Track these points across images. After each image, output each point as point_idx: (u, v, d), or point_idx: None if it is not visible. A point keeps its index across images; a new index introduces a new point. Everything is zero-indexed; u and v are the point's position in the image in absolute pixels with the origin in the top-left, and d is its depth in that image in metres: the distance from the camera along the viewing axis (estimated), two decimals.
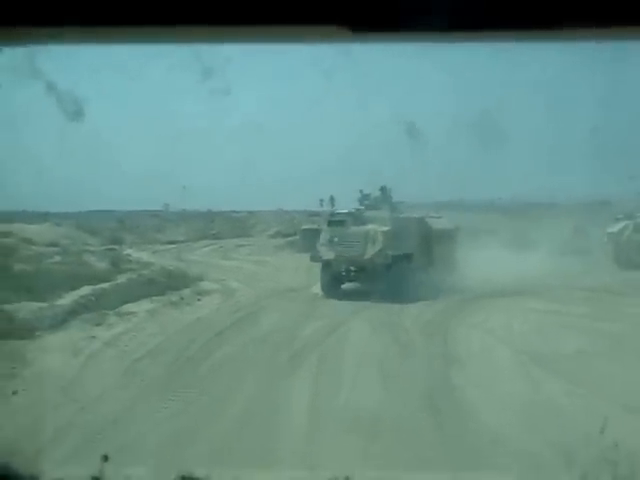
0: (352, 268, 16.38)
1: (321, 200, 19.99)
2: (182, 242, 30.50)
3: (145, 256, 22.97)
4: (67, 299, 13.70)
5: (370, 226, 16.96)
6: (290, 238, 27.29)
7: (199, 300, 14.13)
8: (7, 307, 12.04)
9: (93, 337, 9.94)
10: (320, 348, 9.78)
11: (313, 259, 17.35)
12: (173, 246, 28.66)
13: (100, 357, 8.88)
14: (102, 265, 20.00)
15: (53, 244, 25.08)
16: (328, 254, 16.73)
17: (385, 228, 16.79)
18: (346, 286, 16.49)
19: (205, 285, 16.13)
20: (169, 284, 16.23)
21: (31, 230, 27.39)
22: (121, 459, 5.19)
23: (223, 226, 38.66)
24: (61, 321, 11.80)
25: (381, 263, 16.26)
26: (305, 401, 7.38)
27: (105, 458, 2.63)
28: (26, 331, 10.84)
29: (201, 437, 6.25)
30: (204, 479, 2.31)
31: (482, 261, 14.66)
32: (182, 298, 13.88)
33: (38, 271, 17.81)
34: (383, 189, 18.83)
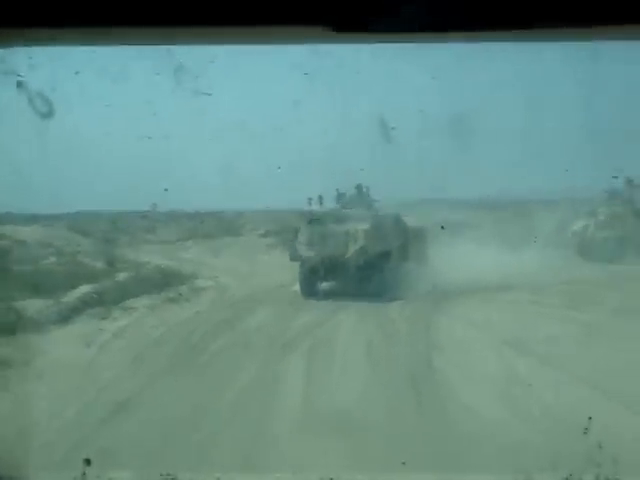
0: (332, 267, 16.26)
1: (309, 199, 19.35)
2: (174, 242, 31.21)
3: (139, 256, 23.71)
4: (70, 296, 14.53)
5: (350, 224, 17.02)
6: (280, 237, 28.11)
7: (195, 296, 14.96)
8: (15, 304, 12.89)
9: (101, 329, 10.81)
10: (311, 336, 10.70)
11: (292, 258, 17.20)
12: (165, 246, 29.38)
13: (110, 347, 9.78)
14: (98, 265, 20.80)
15: (47, 245, 25.75)
16: (308, 253, 16.66)
17: (365, 226, 16.91)
18: (325, 285, 16.51)
19: (200, 282, 16.98)
20: (165, 281, 17.09)
21: (23, 232, 28.00)
22: (134, 432, 6.11)
23: (213, 226, 39.33)
24: (68, 316, 12.66)
25: (363, 261, 16.23)
26: (299, 383, 8.27)
27: (88, 462, 2.60)
28: (37, 325, 11.72)
29: (204, 415, 7.12)
30: None
31: (463, 257, 15.17)
32: (180, 294, 14.76)
33: (37, 271, 18.61)
34: (359, 188, 18.93)
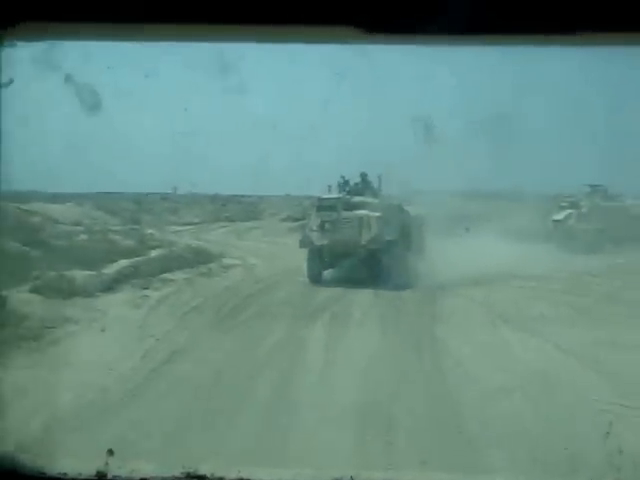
0: (345, 254, 16.40)
1: (329, 186, 19.74)
2: (198, 224, 32.89)
3: (167, 235, 25.32)
4: (110, 269, 16.20)
5: (362, 211, 17.15)
6: (300, 222, 29.67)
7: (224, 273, 16.63)
8: (65, 273, 14.60)
9: (146, 296, 12.53)
10: (330, 309, 12.36)
11: (303, 245, 17.27)
12: (190, 227, 31.00)
13: (157, 309, 11.49)
14: (130, 242, 22.43)
15: (77, 223, 27.42)
16: (321, 240, 16.72)
17: (377, 214, 17.03)
18: (334, 272, 16.78)
19: (227, 261, 18.61)
20: (196, 259, 18.75)
21: (54, 209, 29.68)
22: (187, 374, 7.73)
23: (235, 210, 40.90)
24: (111, 286, 14.34)
25: (376, 249, 16.31)
26: (319, 347, 9.90)
27: (110, 452, 2.70)
28: (86, 292, 13.41)
29: (239, 369, 8.77)
30: (209, 477, 2.40)
31: (467, 247, 15.79)
32: (210, 269, 16.43)
33: (72, 246, 20.26)
34: (363, 176, 19.05)
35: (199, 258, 18.63)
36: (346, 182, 19.03)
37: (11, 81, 2.44)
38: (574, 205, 21.29)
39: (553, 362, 8.80)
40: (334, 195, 18.24)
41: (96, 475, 2.44)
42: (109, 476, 2.44)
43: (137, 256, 18.54)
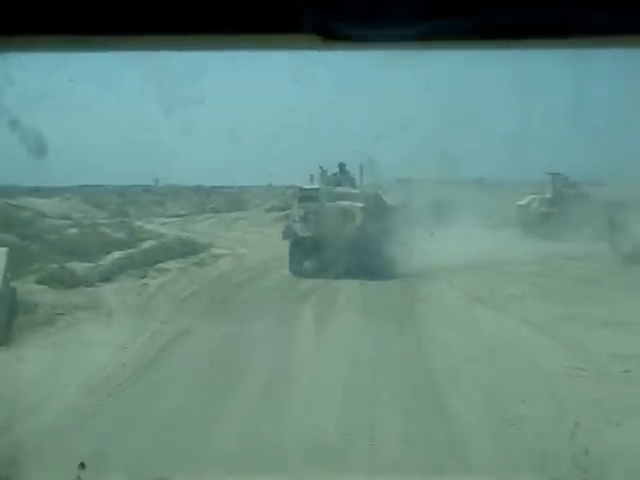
0: (329, 245, 16.08)
1: (311, 176, 19.68)
2: (184, 215, 33.78)
3: (155, 227, 26.25)
4: (106, 261, 17.19)
5: (345, 202, 17.35)
6: (285, 212, 30.66)
7: (215, 262, 17.68)
8: (66, 265, 15.61)
9: (145, 284, 13.59)
10: (316, 294, 13.47)
11: (286, 236, 17.38)
12: (177, 219, 31.88)
13: (157, 296, 12.55)
14: (121, 235, 23.36)
15: (65, 217, 28.25)
16: (304, 231, 16.84)
17: (360, 204, 17.25)
18: (318, 264, 16.42)
19: (217, 251, 19.64)
20: (186, 250, 19.73)
21: (42, 204, 30.48)
22: (190, 350, 8.83)
23: (219, 201, 41.76)
24: (109, 276, 15.34)
25: (361, 239, 16.35)
26: (309, 327, 11.01)
27: (82, 465, 2.71)
28: (88, 282, 14.42)
29: (236, 345, 9.85)
30: None
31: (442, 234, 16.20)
32: (202, 259, 17.48)
33: (64, 239, 21.16)
34: (342, 166, 19.20)
35: (189, 249, 19.63)
36: (324, 172, 19.05)
37: None
38: (537, 191, 22.33)
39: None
40: (315, 186, 18.36)
41: None
42: None
43: (129, 248, 19.50)
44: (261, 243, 21.98)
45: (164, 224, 28.35)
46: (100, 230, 24.01)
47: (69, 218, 27.77)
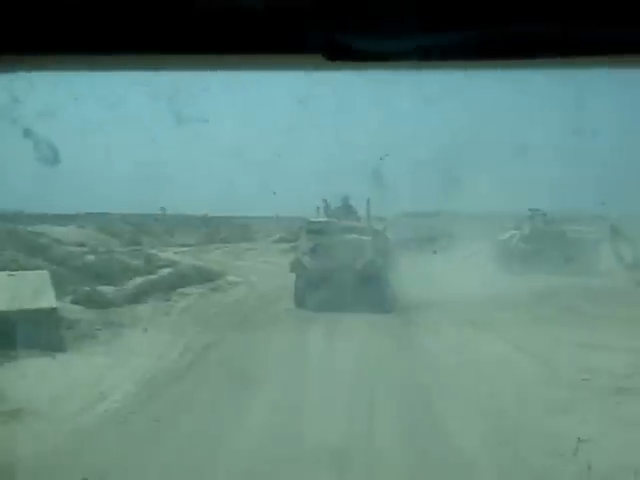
0: (337, 279, 16.24)
1: (318, 208, 19.76)
2: (195, 245, 35.48)
3: (169, 256, 27.98)
4: (129, 285, 19.01)
5: (353, 235, 17.62)
6: (292, 244, 32.34)
7: (231, 288, 19.48)
8: (96, 288, 17.43)
9: (171, 305, 15.40)
10: (325, 315, 15.27)
11: (294, 269, 17.62)
12: (188, 248, 33.56)
13: (183, 316, 14.35)
14: (138, 262, 25.12)
15: (82, 244, 30.02)
16: (313, 264, 17.09)
17: (368, 237, 17.51)
18: (323, 297, 16.36)
19: (231, 278, 21.43)
20: (202, 277, 21.50)
21: (58, 231, 32.26)
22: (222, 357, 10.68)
23: (229, 232, 43.47)
24: (135, 299, 17.14)
25: (371, 274, 16.58)
26: (319, 343, 12.75)
27: None
28: (117, 303, 16.22)
29: (258, 353, 11.60)
30: None
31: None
32: (219, 285, 19.28)
33: (86, 265, 22.93)
34: (345, 199, 19.51)
35: (205, 276, 21.42)
36: (328, 205, 19.30)
37: None
38: (517, 227, 22.89)
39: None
40: (323, 219, 18.67)
41: None
42: None
43: (149, 274, 21.28)
44: (271, 273, 23.71)
45: (177, 253, 30.10)
46: (116, 257, 25.72)
47: (85, 245, 29.53)
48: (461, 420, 8.23)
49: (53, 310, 11.99)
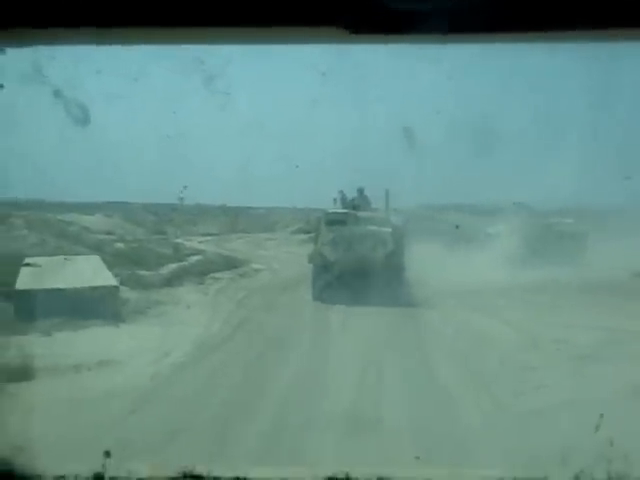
0: (359, 270, 16.55)
1: (335, 199, 20.44)
2: (217, 235, 37.74)
3: (195, 245, 30.33)
4: (164, 270, 21.41)
5: (373, 227, 17.88)
6: (311, 234, 34.47)
7: (255, 275, 21.85)
8: (136, 272, 19.82)
9: (206, 288, 17.78)
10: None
11: (312, 260, 18.34)
12: (211, 237, 35.81)
13: (219, 297, 16.74)
14: (166, 250, 27.52)
15: (110, 233, 32.34)
16: (334, 255, 17.42)
17: (388, 229, 17.85)
18: (342, 289, 16.56)
19: (255, 266, 23.81)
20: (229, 264, 23.86)
21: (86, 220, 34.54)
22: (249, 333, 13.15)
23: (247, 222, 45.60)
24: (173, 282, 19.53)
25: (393, 265, 16.94)
26: (338, 319, 15.05)
27: (107, 454, 2.94)
28: (157, 285, 18.62)
29: (286, 329, 13.91)
30: (206, 476, 2.68)
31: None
32: (245, 272, 21.67)
33: (119, 252, 25.24)
34: (360, 191, 19.97)
35: (232, 263, 23.82)
36: (344, 197, 20.01)
37: (1, 86, 2.84)
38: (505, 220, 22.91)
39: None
40: (342, 210, 19.12)
41: (93, 477, 2.66)
42: (106, 478, 2.69)
43: (179, 261, 23.72)
44: (292, 261, 26.05)
45: (202, 242, 32.47)
46: (145, 246, 28.07)
47: (113, 234, 31.84)
48: (455, 376, 10.53)
49: (115, 288, 14.44)
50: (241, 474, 2.66)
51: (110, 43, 1.88)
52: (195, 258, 24.62)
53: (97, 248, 24.82)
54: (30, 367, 8.89)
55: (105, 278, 14.55)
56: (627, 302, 15.44)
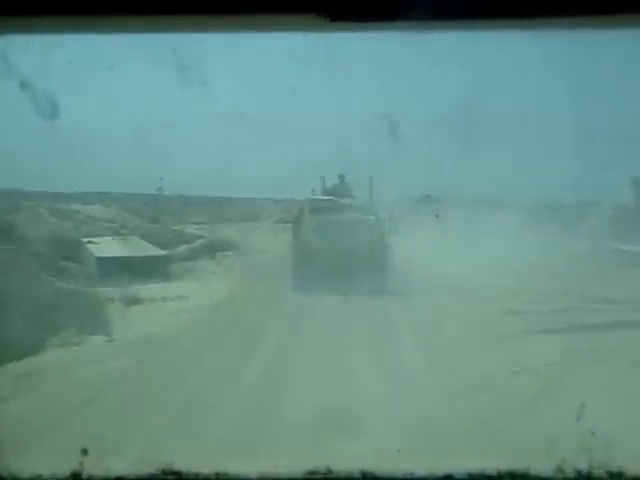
0: (342, 258, 17.31)
1: (313, 190, 22.19)
2: (207, 223, 43.30)
3: (193, 231, 35.95)
4: (179, 250, 27.73)
5: (357, 214, 18.85)
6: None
7: (254, 255, 28.42)
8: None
9: (219, 262, 24.38)
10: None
11: (297, 248, 19.66)
12: (203, 225, 40.92)
13: (231, 267, 23.36)
14: (170, 236, 33.55)
15: (112, 221, 37.91)
16: (318, 243, 18.39)
17: (372, 217, 18.95)
18: (322, 277, 17.55)
19: (251, 247, 30.28)
20: (228, 246, 29.71)
21: (88, 210, 39.75)
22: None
23: (232, 213, 50.76)
24: (190, 258, 25.95)
25: (377, 253, 17.82)
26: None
27: (85, 452, 3.09)
28: (179, 260, 25.09)
29: (283, 290, 20.47)
30: (185, 472, 2.79)
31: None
32: (245, 252, 28.23)
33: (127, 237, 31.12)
34: (341, 178, 21.72)
35: (232, 246, 30.14)
36: (325, 184, 21.92)
37: None
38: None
39: None
40: (325, 197, 20.59)
41: (71, 476, 2.78)
42: (84, 476, 2.79)
43: (187, 243, 29.99)
44: (280, 244, 32.07)
45: (198, 229, 38.49)
46: (149, 232, 33.63)
47: (115, 222, 37.35)
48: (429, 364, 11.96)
49: (165, 256, 20.99)
50: (221, 469, 2.76)
51: (84, 31, 1.92)
52: (199, 241, 30.68)
53: (115, 232, 30.69)
54: (138, 298, 15.58)
55: (155, 250, 21.11)
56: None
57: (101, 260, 19.20)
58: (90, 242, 21.57)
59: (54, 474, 2.74)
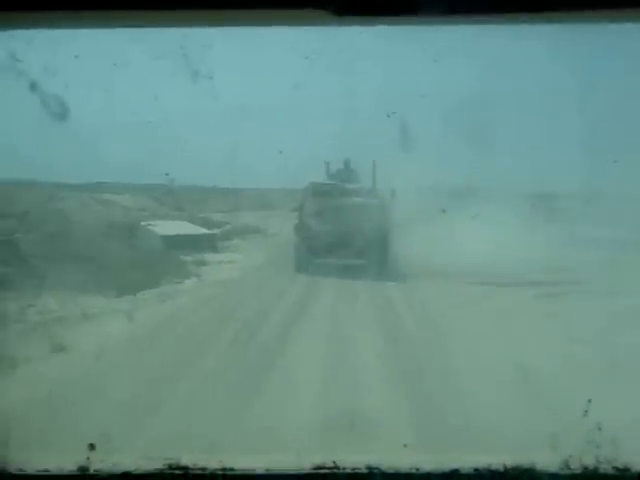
0: (345, 242, 18.14)
1: (326, 163, 23.59)
2: (227, 212, 49.41)
3: (219, 218, 41.95)
4: (217, 231, 34.38)
5: (360, 198, 19.70)
6: None
7: (275, 239, 35.57)
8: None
9: (251, 241, 31.73)
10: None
11: (298, 231, 21.04)
12: (223, 213, 46.34)
13: (260, 246, 30.71)
14: (198, 222, 40.38)
15: (142, 210, 44.51)
16: (320, 227, 19.56)
17: (375, 201, 19.82)
18: (325, 262, 19.03)
19: (273, 230, 37.03)
20: (253, 230, 35.09)
21: (119, 199, 46.23)
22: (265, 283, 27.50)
23: (246, 202, 56.83)
24: (224, 239, 32.82)
25: (380, 237, 18.63)
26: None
27: (92, 447, 3.22)
28: (220, 239, 32.10)
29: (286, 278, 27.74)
30: (191, 467, 2.98)
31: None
32: (271, 235, 35.26)
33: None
34: (346, 162, 22.65)
35: (255, 230, 36.81)
36: (329, 169, 22.93)
37: None
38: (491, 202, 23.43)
39: None
40: (329, 181, 21.88)
41: (78, 470, 2.95)
42: (91, 471, 2.96)
43: (217, 228, 36.83)
44: None
45: (221, 217, 45.39)
46: (182, 219, 40.04)
47: (145, 210, 43.90)
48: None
49: (214, 234, 28.21)
50: (227, 464, 2.93)
51: (89, 26, 2.07)
52: (227, 226, 37.60)
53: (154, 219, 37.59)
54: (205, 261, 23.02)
55: (204, 230, 28.38)
56: None
57: (166, 238, 26.25)
58: (149, 224, 28.70)
59: (61, 469, 2.95)
